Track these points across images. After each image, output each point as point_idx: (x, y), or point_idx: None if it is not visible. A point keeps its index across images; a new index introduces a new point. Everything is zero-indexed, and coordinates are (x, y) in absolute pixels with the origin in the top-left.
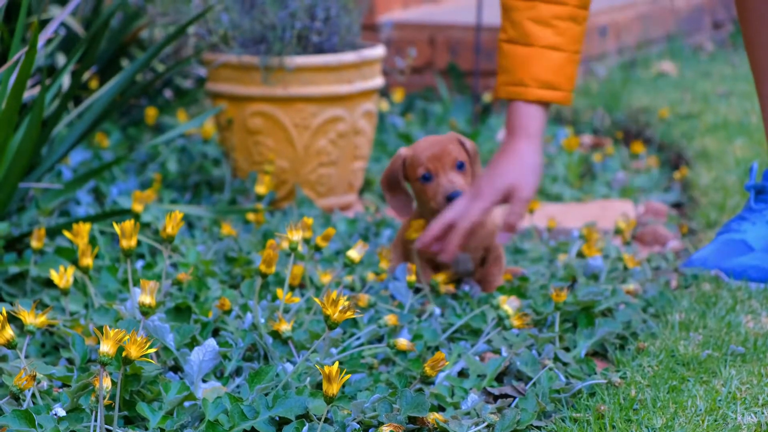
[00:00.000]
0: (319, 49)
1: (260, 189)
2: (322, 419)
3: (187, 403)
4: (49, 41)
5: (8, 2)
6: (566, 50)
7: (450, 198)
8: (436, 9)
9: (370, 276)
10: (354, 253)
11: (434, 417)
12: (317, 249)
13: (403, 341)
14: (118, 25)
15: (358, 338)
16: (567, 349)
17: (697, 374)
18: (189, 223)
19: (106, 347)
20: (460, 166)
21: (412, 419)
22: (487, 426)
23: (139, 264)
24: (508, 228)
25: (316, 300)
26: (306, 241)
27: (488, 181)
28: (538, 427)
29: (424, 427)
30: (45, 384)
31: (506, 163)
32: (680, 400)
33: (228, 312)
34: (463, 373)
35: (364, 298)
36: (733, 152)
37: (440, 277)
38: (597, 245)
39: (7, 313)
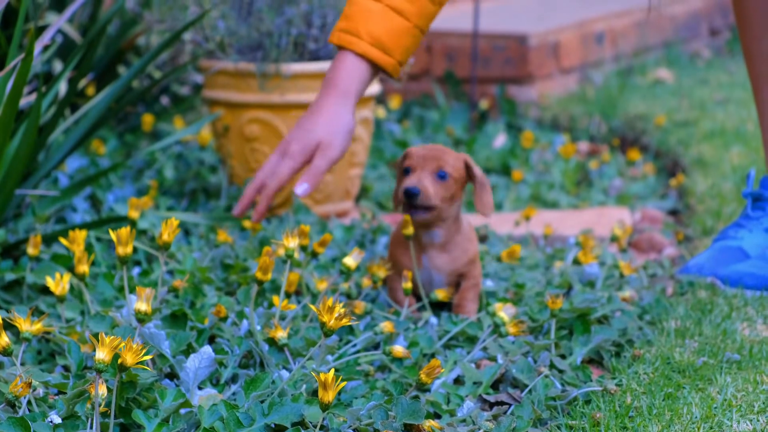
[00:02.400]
0: (316, 56)
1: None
2: (318, 426)
3: (183, 411)
4: (46, 48)
5: (5, 9)
6: (411, 20)
7: (407, 192)
8: None
9: (366, 283)
10: (350, 261)
11: (430, 424)
12: (314, 255)
13: (399, 348)
14: (115, 32)
15: (354, 345)
16: (563, 357)
17: (693, 381)
18: (185, 230)
19: (102, 354)
20: (441, 176)
21: (407, 426)
22: None
23: (136, 271)
24: (310, 180)
25: (312, 307)
26: (303, 248)
27: (297, 137)
28: None
29: None
30: (41, 391)
31: (318, 119)
32: (676, 407)
33: (224, 319)
34: (458, 381)
35: (360, 305)
36: (729, 159)
37: (441, 294)
38: (593, 252)
39: (3, 320)
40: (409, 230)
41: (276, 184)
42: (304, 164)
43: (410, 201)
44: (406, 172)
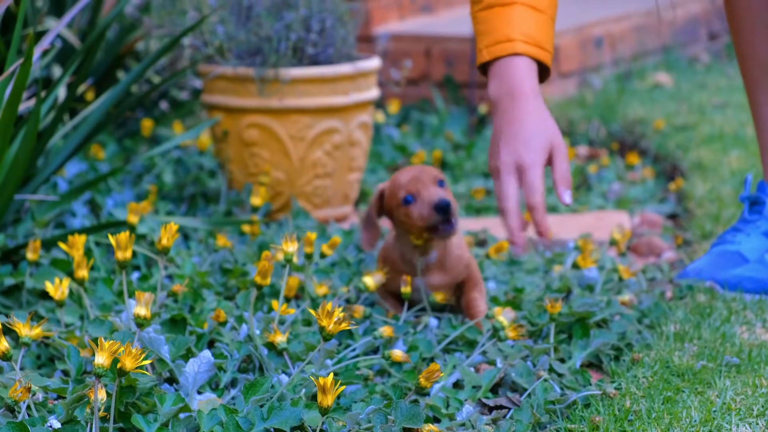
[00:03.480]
0: (315, 61)
1: (256, 200)
2: (317, 431)
3: (182, 415)
4: (45, 53)
5: (4, 14)
6: (546, 12)
7: (438, 206)
8: (432, 21)
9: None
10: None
11: (429, 428)
12: (322, 256)
13: (398, 352)
14: (114, 37)
15: (354, 350)
16: (562, 360)
17: (692, 385)
18: (185, 235)
19: (101, 359)
20: (441, 183)
21: (407, 430)
22: None
23: (135, 276)
24: (568, 184)
25: (312, 311)
26: (308, 256)
27: (524, 146)
28: None
29: None
30: (40, 396)
31: (532, 124)
32: (675, 411)
33: (223, 323)
34: (458, 385)
35: (360, 310)
36: (728, 163)
37: (438, 296)
38: (592, 256)
39: (3, 324)
40: (419, 241)
41: (541, 197)
42: (544, 167)
43: (446, 214)
44: (407, 201)
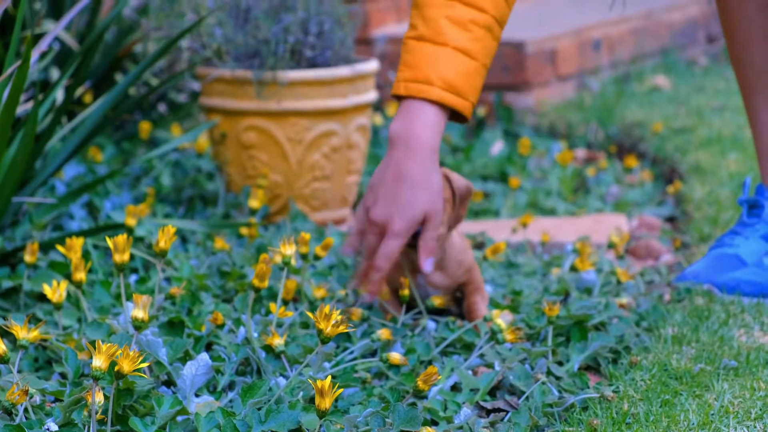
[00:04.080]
0: (313, 64)
1: (254, 203)
2: None
3: (179, 418)
4: (43, 56)
5: (2, 16)
6: (478, 60)
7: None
8: None
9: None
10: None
11: (427, 431)
12: (316, 258)
13: (396, 355)
14: (112, 40)
15: (351, 352)
16: (560, 363)
17: (690, 388)
18: (182, 237)
19: (99, 362)
20: None
21: None
22: None
23: (133, 278)
24: (431, 253)
25: (310, 314)
26: (303, 256)
27: (399, 213)
28: None
29: None
30: (38, 398)
31: (416, 191)
32: (673, 414)
33: (221, 326)
34: (456, 387)
35: (357, 312)
36: (726, 166)
37: (437, 300)
38: (590, 259)
39: (0, 327)
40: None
41: (389, 264)
42: (409, 238)
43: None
44: None
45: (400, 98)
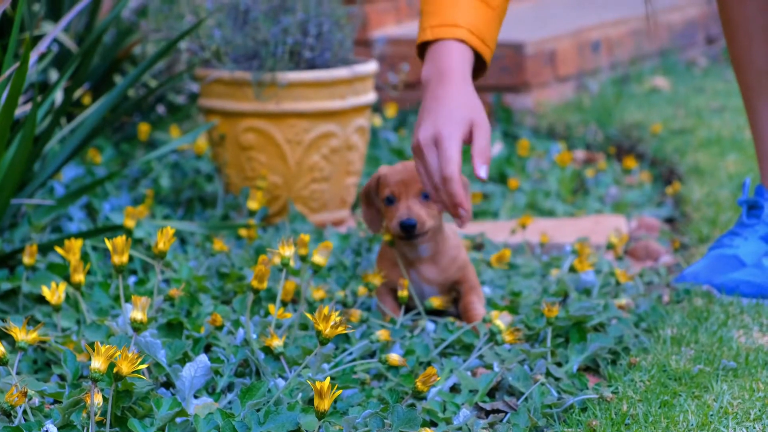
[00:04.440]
0: (312, 65)
1: (253, 205)
2: None
3: (178, 419)
4: (41, 57)
5: (1, 18)
6: (495, 9)
7: (403, 225)
8: None
9: (362, 291)
10: (318, 258)
11: None
12: (316, 265)
13: (395, 356)
14: (111, 42)
15: (350, 354)
16: (559, 364)
17: (689, 389)
18: (182, 239)
19: (98, 363)
20: (426, 196)
21: None
22: None
23: (132, 280)
24: (485, 160)
25: (308, 315)
26: (302, 258)
27: (445, 121)
28: None
29: None
30: (36, 400)
31: (457, 101)
32: (672, 415)
33: (220, 328)
34: (455, 389)
35: (356, 314)
36: (725, 167)
37: (435, 302)
38: (589, 260)
39: None
40: (389, 237)
41: (455, 168)
42: (464, 140)
43: (409, 233)
44: (389, 201)
45: (424, 49)
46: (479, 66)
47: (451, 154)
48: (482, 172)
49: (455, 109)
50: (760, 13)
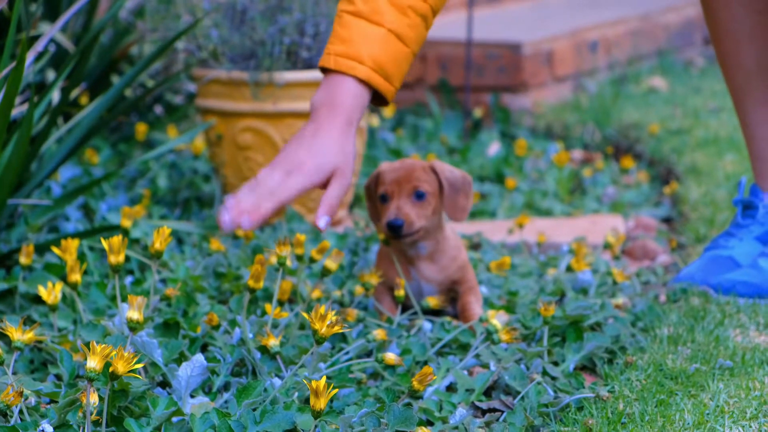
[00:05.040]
0: (309, 65)
1: None
2: None
3: (175, 419)
4: (38, 57)
5: None
6: (410, 47)
7: (390, 225)
8: None
9: (359, 291)
10: (330, 263)
11: (422, 431)
12: (312, 261)
13: (391, 356)
14: (108, 42)
15: (347, 353)
16: (555, 364)
17: (686, 388)
18: (179, 239)
19: (93, 363)
20: (419, 196)
21: None
22: None
23: (129, 280)
24: (330, 211)
25: (305, 315)
26: (299, 257)
27: (311, 158)
28: None
29: None
30: (33, 400)
31: (330, 145)
32: (668, 413)
33: (216, 327)
34: (451, 388)
35: (353, 313)
36: (723, 167)
37: (432, 301)
38: (586, 260)
39: None
40: (382, 236)
41: (284, 198)
42: (314, 187)
43: (396, 233)
44: (383, 199)
45: (326, 71)
46: (380, 97)
47: (290, 187)
48: (321, 222)
49: (324, 151)
50: (746, 15)
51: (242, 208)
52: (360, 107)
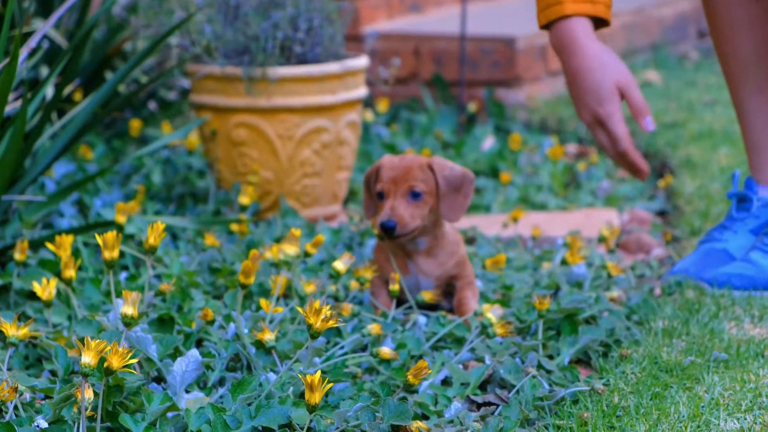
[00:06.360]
0: (303, 60)
1: (244, 200)
2: (305, 429)
3: (170, 414)
4: (32, 54)
5: None
6: None
7: (383, 226)
8: (420, 19)
9: (354, 285)
10: (340, 265)
11: (417, 425)
12: (306, 255)
13: (386, 350)
14: (101, 38)
15: (342, 347)
16: (550, 357)
17: (680, 381)
18: (173, 235)
19: (88, 358)
20: (414, 195)
21: (395, 428)
22: None
23: (123, 276)
24: (644, 113)
25: (300, 309)
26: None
27: (595, 100)
28: None
29: None
30: (27, 396)
31: (593, 71)
32: (663, 406)
33: (211, 322)
34: (446, 382)
35: (348, 308)
36: (717, 160)
37: (427, 296)
38: (581, 253)
39: None
40: (377, 231)
41: (627, 143)
42: (620, 107)
43: (388, 234)
44: (380, 196)
45: (547, 27)
46: (601, 21)
47: (618, 133)
48: (650, 125)
49: (599, 83)
50: (742, 4)
51: (636, 157)
52: (586, 29)
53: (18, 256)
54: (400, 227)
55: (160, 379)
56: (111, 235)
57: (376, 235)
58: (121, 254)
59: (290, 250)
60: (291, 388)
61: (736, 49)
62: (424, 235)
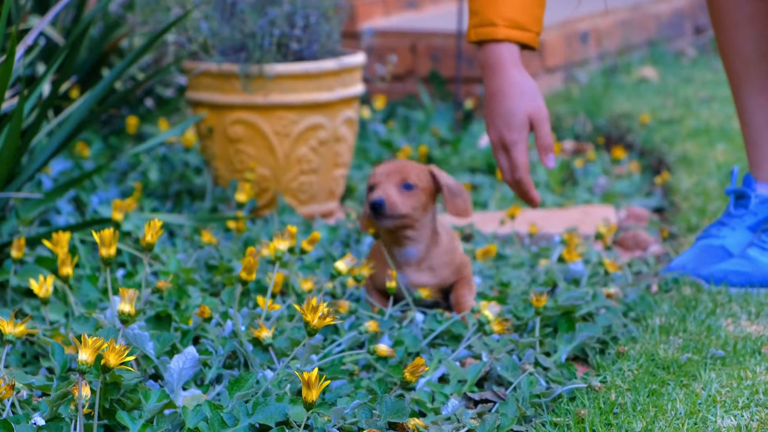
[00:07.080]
0: (299, 57)
1: (241, 197)
2: (302, 426)
3: (167, 411)
4: (28, 51)
5: None
6: None
7: (373, 205)
8: (417, 16)
9: (351, 283)
10: (342, 265)
11: (414, 423)
12: (303, 252)
13: (383, 347)
14: (98, 35)
15: (339, 345)
16: (547, 354)
17: (677, 378)
18: (170, 232)
19: (85, 356)
20: (407, 186)
21: (392, 425)
22: (468, 431)
23: (120, 273)
24: (548, 150)
25: (297, 307)
26: (290, 250)
27: (505, 125)
28: None
29: None
30: (24, 393)
31: (509, 97)
32: (660, 403)
33: (208, 320)
34: (443, 379)
35: (345, 305)
36: (714, 157)
37: (424, 292)
38: (578, 250)
39: None
40: (373, 229)
41: (523, 172)
42: (527, 140)
43: (376, 212)
44: (370, 189)
45: (477, 44)
46: (529, 47)
47: (518, 161)
48: (550, 162)
49: (513, 110)
50: (747, 1)
51: (530, 189)
52: (513, 55)
53: (15, 253)
54: (390, 206)
55: (157, 377)
56: (108, 232)
57: (373, 233)
58: (118, 251)
59: (282, 245)
60: (288, 386)
61: (739, 46)
62: (415, 240)
